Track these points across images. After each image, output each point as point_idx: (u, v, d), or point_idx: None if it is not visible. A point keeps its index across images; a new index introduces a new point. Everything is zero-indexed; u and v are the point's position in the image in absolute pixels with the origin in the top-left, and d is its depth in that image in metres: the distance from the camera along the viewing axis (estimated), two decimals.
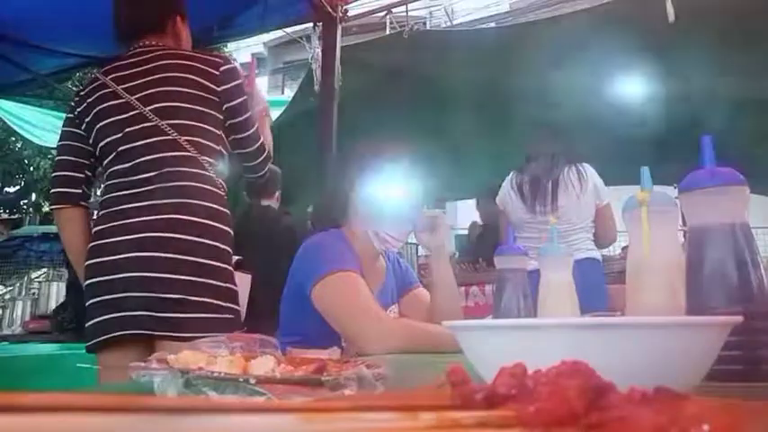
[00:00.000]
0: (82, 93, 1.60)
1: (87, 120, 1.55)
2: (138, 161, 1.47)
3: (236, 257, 1.62)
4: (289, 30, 3.36)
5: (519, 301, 1.11)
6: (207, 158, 1.50)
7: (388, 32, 3.70)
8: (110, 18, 1.63)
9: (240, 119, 1.56)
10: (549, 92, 3.17)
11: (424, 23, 9.37)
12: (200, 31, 2.61)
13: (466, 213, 9.18)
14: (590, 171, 2.76)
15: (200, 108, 1.50)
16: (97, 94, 1.55)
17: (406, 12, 3.26)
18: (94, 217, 1.56)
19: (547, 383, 0.25)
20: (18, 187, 10.64)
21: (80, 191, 1.58)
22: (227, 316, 1.44)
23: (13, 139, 9.29)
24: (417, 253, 4.24)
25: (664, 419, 0.22)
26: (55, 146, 1.73)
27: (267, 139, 1.69)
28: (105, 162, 1.54)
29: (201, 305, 1.40)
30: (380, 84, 3.19)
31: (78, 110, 1.58)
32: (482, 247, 3.55)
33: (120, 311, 1.40)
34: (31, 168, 9.84)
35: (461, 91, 3.24)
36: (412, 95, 3.27)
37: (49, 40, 2.87)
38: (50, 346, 3.25)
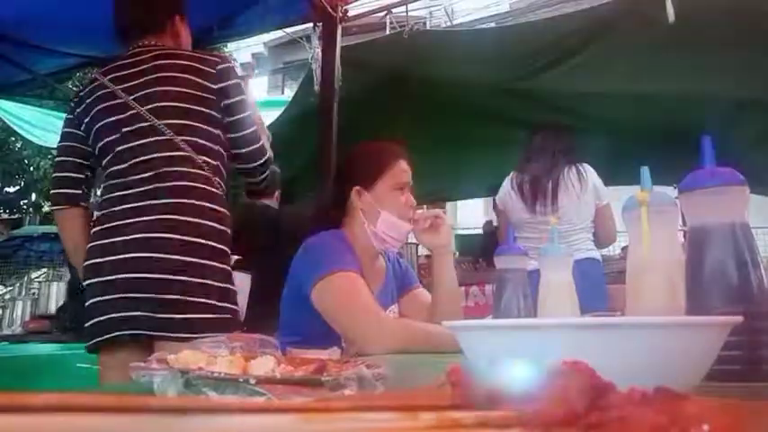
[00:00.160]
0: (81, 93, 1.60)
1: (86, 120, 1.56)
2: (134, 161, 1.47)
3: (235, 257, 1.62)
4: (289, 30, 3.36)
5: (519, 301, 1.11)
6: (204, 158, 1.49)
7: (388, 32, 3.70)
8: (110, 18, 1.63)
9: (235, 117, 1.54)
10: (550, 92, 3.17)
11: (424, 23, 9.36)
12: (200, 31, 2.61)
13: (466, 213, 9.21)
14: (590, 171, 2.76)
15: (198, 107, 1.50)
16: (95, 95, 1.56)
17: (406, 12, 3.26)
18: (94, 218, 1.56)
19: (547, 383, 0.25)
20: (18, 187, 10.64)
21: (80, 191, 1.58)
22: (224, 316, 1.44)
23: (13, 139, 9.29)
24: (417, 253, 4.23)
25: (664, 419, 0.22)
26: (55, 146, 1.73)
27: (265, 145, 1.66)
28: (104, 162, 1.54)
29: (199, 306, 1.40)
30: (380, 84, 3.18)
31: (77, 111, 1.58)
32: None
33: (117, 312, 1.40)
34: (31, 168, 9.84)
35: (461, 91, 3.24)
36: (412, 95, 3.26)
37: (49, 40, 2.87)
38: (50, 346, 3.25)
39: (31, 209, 10.70)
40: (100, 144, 1.53)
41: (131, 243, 1.41)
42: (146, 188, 1.45)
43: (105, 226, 1.46)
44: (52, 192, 1.62)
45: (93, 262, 1.45)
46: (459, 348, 0.53)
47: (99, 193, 1.61)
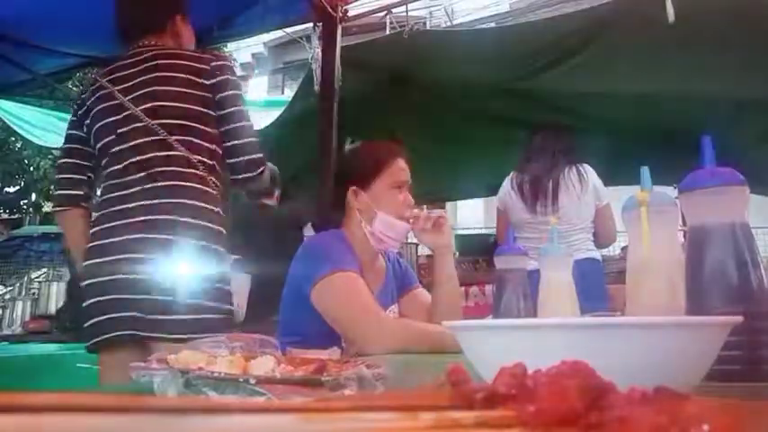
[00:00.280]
0: (83, 95, 1.62)
1: (87, 122, 1.57)
2: (128, 162, 1.48)
3: (234, 257, 1.62)
4: (289, 30, 3.36)
5: (519, 301, 1.11)
6: (199, 157, 1.48)
7: (388, 32, 3.70)
8: (110, 18, 1.63)
9: (226, 111, 1.51)
10: (550, 92, 3.17)
11: (424, 23, 9.36)
12: (201, 31, 2.60)
13: (466, 213, 9.20)
14: (590, 171, 2.76)
15: (193, 107, 1.49)
16: (95, 96, 1.57)
17: (406, 12, 3.25)
18: (93, 218, 1.57)
19: (547, 383, 0.25)
20: (18, 187, 10.64)
21: (81, 192, 1.59)
22: (217, 316, 1.43)
23: (13, 139, 9.27)
24: (417, 253, 4.23)
25: (664, 419, 0.22)
26: (55, 146, 1.75)
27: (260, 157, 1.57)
28: (102, 163, 1.55)
29: (190, 307, 1.39)
30: (380, 84, 3.18)
31: (80, 112, 1.60)
32: None
33: (115, 312, 1.40)
34: (31, 168, 9.83)
35: (461, 91, 3.23)
36: (412, 95, 3.26)
37: (49, 40, 2.87)
38: (50, 346, 3.25)
39: (31, 209, 10.69)
40: (99, 145, 1.54)
41: (122, 244, 1.41)
42: (139, 188, 1.45)
43: (103, 226, 1.46)
44: (54, 193, 1.63)
45: (91, 263, 1.46)
46: (460, 348, 0.53)
47: (99, 193, 1.62)
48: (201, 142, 1.50)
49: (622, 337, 0.44)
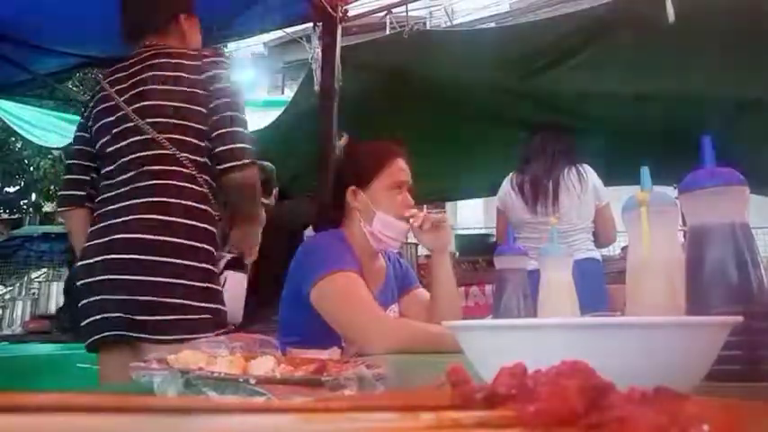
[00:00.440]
0: (89, 97, 1.64)
1: (89, 123, 1.60)
2: (120, 162, 1.49)
3: (230, 255, 1.61)
4: (289, 30, 3.35)
5: (519, 301, 1.11)
6: (189, 155, 1.47)
7: (388, 32, 3.70)
8: (110, 18, 1.64)
9: (216, 102, 1.48)
10: (550, 92, 3.17)
11: (424, 23, 9.35)
12: (201, 31, 2.61)
13: (466, 213, 9.20)
14: (590, 171, 2.76)
15: (186, 105, 1.49)
16: (96, 98, 1.60)
17: (406, 12, 3.25)
18: None
19: (547, 383, 0.25)
20: (18, 187, 10.64)
21: (85, 192, 1.60)
22: (204, 316, 1.41)
23: (13, 139, 9.28)
24: (417, 253, 4.23)
25: (664, 419, 0.22)
26: (55, 146, 1.77)
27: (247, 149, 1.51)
28: (101, 164, 1.57)
29: (176, 307, 1.38)
30: (380, 84, 3.18)
31: (86, 114, 1.63)
32: None
33: (105, 313, 1.41)
34: (31, 168, 9.84)
35: (462, 91, 3.23)
36: (412, 95, 3.26)
37: (49, 40, 2.87)
38: (50, 346, 3.25)
39: (31, 209, 10.69)
40: (98, 145, 1.57)
41: (108, 245, 1.41)
42: (129, 188, 1.45)
43: (98, 226, 1.47)
44: (59, 194, 1.66)
45: (85, 262, 1.46)
46: (460, 348, 0.53)
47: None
48: (192, 140, 1.48)
49: (622, 337, 0.44)
